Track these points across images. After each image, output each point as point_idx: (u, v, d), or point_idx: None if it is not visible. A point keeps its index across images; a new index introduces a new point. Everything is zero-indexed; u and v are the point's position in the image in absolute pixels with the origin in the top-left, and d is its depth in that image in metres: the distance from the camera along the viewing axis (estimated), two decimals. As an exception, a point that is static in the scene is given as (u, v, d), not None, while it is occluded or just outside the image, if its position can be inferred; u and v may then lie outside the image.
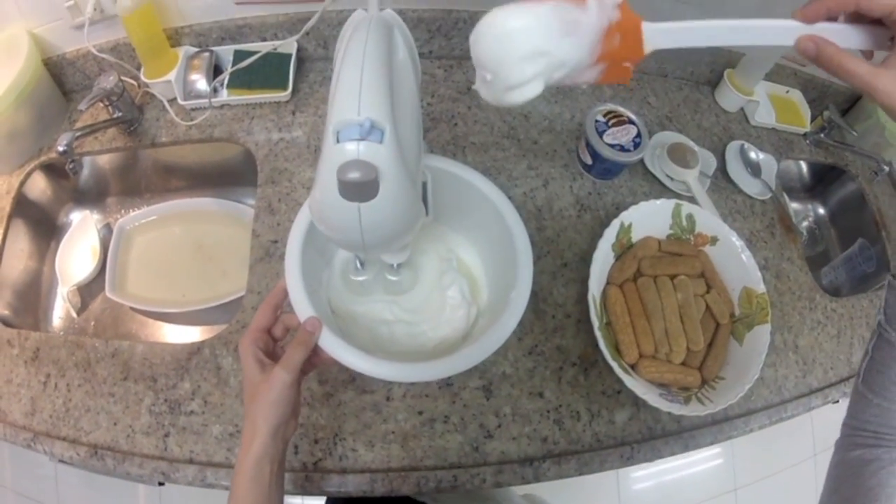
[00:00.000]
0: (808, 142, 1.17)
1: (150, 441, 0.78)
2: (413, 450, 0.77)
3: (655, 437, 0.83)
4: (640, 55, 0.40)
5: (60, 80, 1.03)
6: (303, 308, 0.62)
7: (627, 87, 1.09)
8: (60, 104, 1.02)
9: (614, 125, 0.91)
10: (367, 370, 0.60)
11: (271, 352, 0.62)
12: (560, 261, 0.91)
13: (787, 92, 1.19)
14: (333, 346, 0.61)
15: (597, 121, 0.91)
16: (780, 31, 0.41)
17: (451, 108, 1.03)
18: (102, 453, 0.77)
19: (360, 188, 0.46)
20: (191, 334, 1.00)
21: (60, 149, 0.85)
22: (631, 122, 0.92)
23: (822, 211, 1.32)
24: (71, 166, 0.89)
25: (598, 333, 0.78)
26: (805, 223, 1.31)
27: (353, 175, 0.44)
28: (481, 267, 0.80)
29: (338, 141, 0.46)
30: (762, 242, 1.02)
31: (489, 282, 0.79)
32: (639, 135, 0.91)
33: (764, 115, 1.13)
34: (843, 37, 0.41)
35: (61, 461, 0.79)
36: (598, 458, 0.80)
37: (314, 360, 0.63)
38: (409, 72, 0.58)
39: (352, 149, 0.45)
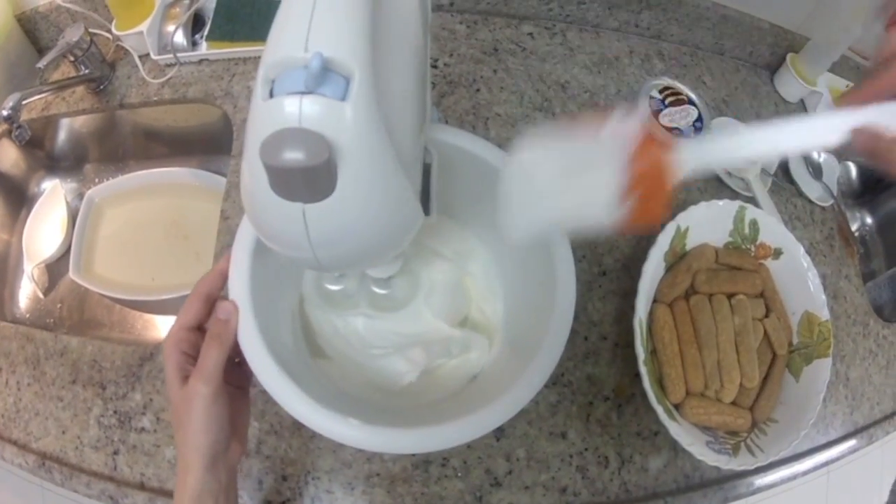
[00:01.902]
0: (864, 145, 0.93)
1: (99, 457, 0.60)
2: (402, 497, 0.57)
3: (692, 487, 0.63)
4: (665, 187, 0.29)
5: (35, 36, 0.83)
6: (238, 288, 0.40)
7: (681, 63, 0.85)
8: (33, 63, 0.82)
9: (672, 105, 0.68)
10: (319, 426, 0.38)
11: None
12: (598, 268, 0.68)
13: (847, 86, 0.94)
14: (270, 377, 0.39)
15: (652, 97, 0.68)
16: (829, 128, 0.30)
17: (472, 71, 0.79)
18: (50, 465, 0.60)
19: (302, 179, 0.24)
20: (159, 324, 0.81)
21: (4, 113, 0.65)
22: (691, 102, 0.69)
23: (869, 220, 1.07)
24: (17, 133, 0.69)
25: (642, 369, 0.56)
26: (857, 233, 1.07)
27: (289, 156, 0.23)
28: (497, 279, 0.55)
29: (271, 95, 0.25)
30: (821, 256, 0.79)
31: (508, 299, 0.55)
32: (699, 118, 0.68)
33: (824, 110, 0.89)
34: None
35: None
36: (624, 513, 0.60)
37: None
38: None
39: (290, 109, 0.24)
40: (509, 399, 0.39)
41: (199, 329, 0.41)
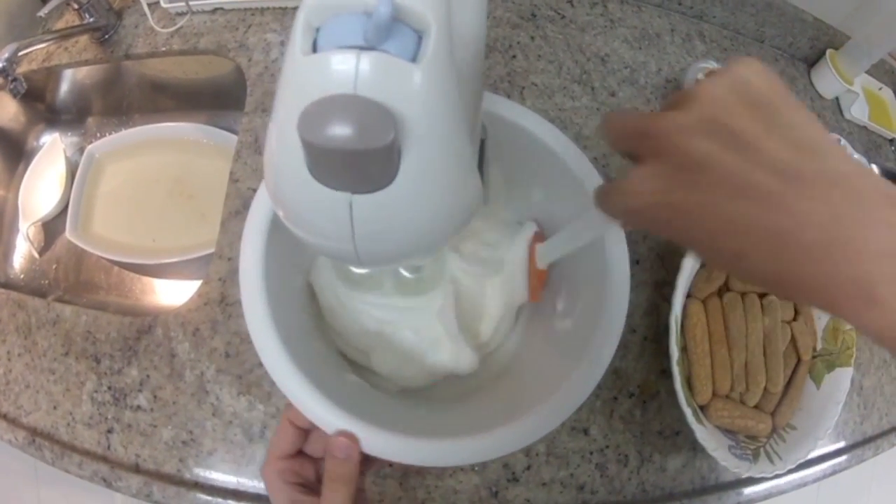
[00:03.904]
0: (893, 149, 0.87)
1: (92, 435, 0.54)
2: (414, 490, 0.52)
3: (708, 490, 0.59)
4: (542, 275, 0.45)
5: (38, -17, 0.73)
6: (250, 270, 0.34)
7: (722, 47, 0.77)
8: (35, 11, 0.73)
9: (718, 89, 0.61)
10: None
11: (312, 482, 0.38)
12: (631, 256, 0.62)
13: (881, 89, 0.87)
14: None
15: (698, 80, 0.61)
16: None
17: (508, 36, 0.70)
18: (41, 442, 0.55)
19: (353, 165, 0.18)
20: (158, 289, 0.74)
21: (-2, 65, 0.58)
22: (735, 87, 0.62)
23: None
24: (12, 86, 0.61)
25: (675, 369, 0.51)
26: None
27: (339, 133, 0.16)
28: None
29: (314, 49, 0.18)
30: (846, 263, 0.73)
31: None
32: (743, 106, 0.61)
33: (858, 110, 0.83)
34: None
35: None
36: (638, 514, 0.55)
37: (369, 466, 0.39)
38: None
39: (342, 69, 0.17)
40: (563, 398, 0.35)
41: (299, 455, 0.38)
